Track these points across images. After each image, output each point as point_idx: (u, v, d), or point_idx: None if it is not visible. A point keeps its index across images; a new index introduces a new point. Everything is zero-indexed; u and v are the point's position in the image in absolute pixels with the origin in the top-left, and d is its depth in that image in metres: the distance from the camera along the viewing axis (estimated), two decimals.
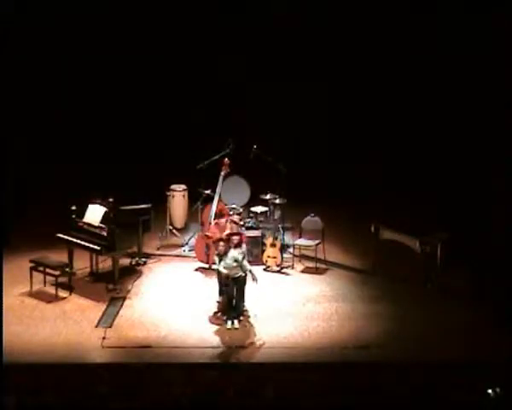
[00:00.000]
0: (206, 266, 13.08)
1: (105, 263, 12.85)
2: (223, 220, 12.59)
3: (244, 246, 11.65)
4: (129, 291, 12.40)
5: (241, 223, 12.88)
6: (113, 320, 11.47)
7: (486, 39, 14.00)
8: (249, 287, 11.58)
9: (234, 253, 11.43)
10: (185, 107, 15.77)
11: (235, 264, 11.38)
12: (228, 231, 11.87)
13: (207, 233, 13.02)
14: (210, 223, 13.14)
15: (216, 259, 11.64)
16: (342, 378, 10.13)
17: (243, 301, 11.54)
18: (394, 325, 11.41)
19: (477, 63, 14.36)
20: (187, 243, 14.11)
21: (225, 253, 11.46)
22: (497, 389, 9.72)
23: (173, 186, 14.64)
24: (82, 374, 10.19)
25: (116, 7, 15.38)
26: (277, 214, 13.88)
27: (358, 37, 15.45)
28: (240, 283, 11.44)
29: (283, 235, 13.89)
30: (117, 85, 15.62)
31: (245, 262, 11.46)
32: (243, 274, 11.43)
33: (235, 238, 11.53)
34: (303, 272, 13.26)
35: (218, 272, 11.58)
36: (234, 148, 13.87)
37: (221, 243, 11.54)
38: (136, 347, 10.78)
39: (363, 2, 15.31)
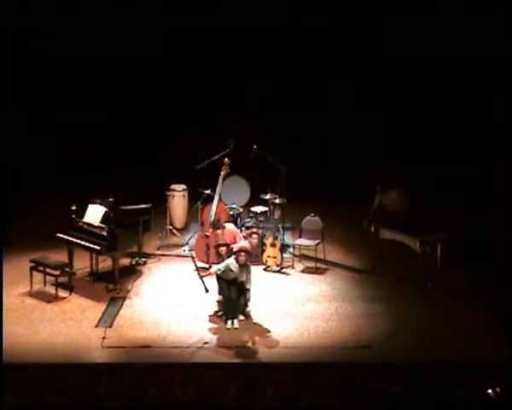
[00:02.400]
0: (206, 266, 13.08)
1: (105, 263, 12.85)
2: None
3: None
4: (129, 291, 12.41)
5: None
6: (113, 320, 11.48)
7: (488, 38, 14.00)
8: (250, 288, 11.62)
9: (235, 264, 11.45)
10: (185, 107, 15.76)
11: (237, 269, 11.38)
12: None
13: (207, 233, 13.03)
14: (210, 223, 13.15)
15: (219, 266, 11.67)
16: (342, 378, 10.13)
17: (244, 302, 11.54)
18: (394, 325, 11.41)
19: (478, 63, 14.35)
20: (187, 243, 14.12)
21: (228, 257, 11.48)
22: (497, 389, 9.72)
23: (173, 186, 14.65)
24: (82, 374, 10.18)
25: (116, 7, 15.38)
26: (277, 214, 13.88)
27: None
28: (240, 284, 11.44)
29: (283, 235, 13.90)
30: (117, 85, 15.61)
31: (247, 281, 11.50)
32: (245, 277, 11.46)
33: (221, 249, 11.69)
34: (303, 272, 13.26)
35: (217, 275, 11.60)
36: (234, 148, 13.89)
37: (222, 248, 11.67)
38: (136, 347, 10.78)
39: None
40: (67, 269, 12.46)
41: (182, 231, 14.62)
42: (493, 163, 13.68)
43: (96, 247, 12.37)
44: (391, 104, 15.46)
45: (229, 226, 12.49)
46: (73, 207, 12.76)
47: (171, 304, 12.02)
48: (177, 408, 9.93)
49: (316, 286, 12.68)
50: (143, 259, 13.42)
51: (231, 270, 11.37)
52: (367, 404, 9.94)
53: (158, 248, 14.00)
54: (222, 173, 13.62)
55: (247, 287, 11.55)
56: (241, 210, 13.98)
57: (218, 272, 11.46)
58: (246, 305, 11.59)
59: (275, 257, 13.22)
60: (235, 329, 11.28)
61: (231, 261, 11.40)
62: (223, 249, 11.72)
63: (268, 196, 13.96)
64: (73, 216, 12.70)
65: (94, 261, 12.78)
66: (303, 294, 12.38)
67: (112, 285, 12.38)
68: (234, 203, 13.98)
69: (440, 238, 12.59)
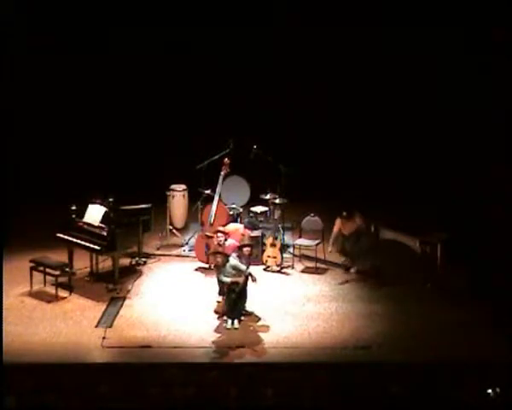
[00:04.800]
0: (206, 266, 13.08)
1: (105, 263, 12.85)
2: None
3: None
4: (129, 291, 12.40)
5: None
6: (113, 320, 11.48)
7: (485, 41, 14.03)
8: (249, 287, 11.58)
9: (232, 261, 11.44)
10: (185, 107, 15.76)
11: (234, 271, 11.39)
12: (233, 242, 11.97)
13: (208, 233, 13.04)
14: (210, 223, 13.16)
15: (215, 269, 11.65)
16: (342, 378, 10.14)
17: (245, 302, 11.54)
18: (394, 324, 11.41)
19: (475, 63, 14.37)
20: (187, 243, 14.12)
21: (224, 264, 11.45)
22: (497, 389, 9.72)
23: (173, 186, 14.64)
24: (82, 374, 10.19)
25: (116, 8, 15.38)
26: (277, 214, 13.88)
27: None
28: (241, 286, 11.42)
29: (283, 235, 13.89)
30: (117, 85, 15.61)
31: (243, 267, 11.45)
32: (243, 278, 11.43)
33: (246, 249, 11.66)
34: (303, 272, 13.26)
35: (220, 280, 11.57)
36: (234, 148, 13.90)
37: (218, 256, 11.56)
38: (136, 347, 10.77)
39: None
40: (67, 269, 12.45)
41: (182, 231, 14.62)
42: (493, 163, 13.69)
43: (95, 247, 12.37)
44: (389, 106, 15.50)
45: (234, 226, 12.56)
46: (73, 207, 12.76)
47: (171, 304, 12.01)
48: (177, 408, 9.94)
49: (316, 286, 12.68)
50: (143, 259, 13.41)
51: (234, 271, 11.38)
52: (367, 404, 9.95)
53: (158, 248, 14.00)
54: (222, 173, 13.62)
55: (247, 272, 11.45)
56: (241, 210, 13.98)
57: (226, 279, 11.42)
58: (244, 305, 11.56)
59: (275, 257, 13.22)
60: (235, 329, 11.28)
61: (234, 263, 11.40)
62: (218, 258, 11.60)
63: (268, 196, 13.96)
64: (73, 216, 12.70)
65: (94, 261, 12.78)
66: (303, 294, 12.37)
67: (112, 285, 12.38)
68: (234, 203, 13.97)
69: (440, 238, 12.59)
